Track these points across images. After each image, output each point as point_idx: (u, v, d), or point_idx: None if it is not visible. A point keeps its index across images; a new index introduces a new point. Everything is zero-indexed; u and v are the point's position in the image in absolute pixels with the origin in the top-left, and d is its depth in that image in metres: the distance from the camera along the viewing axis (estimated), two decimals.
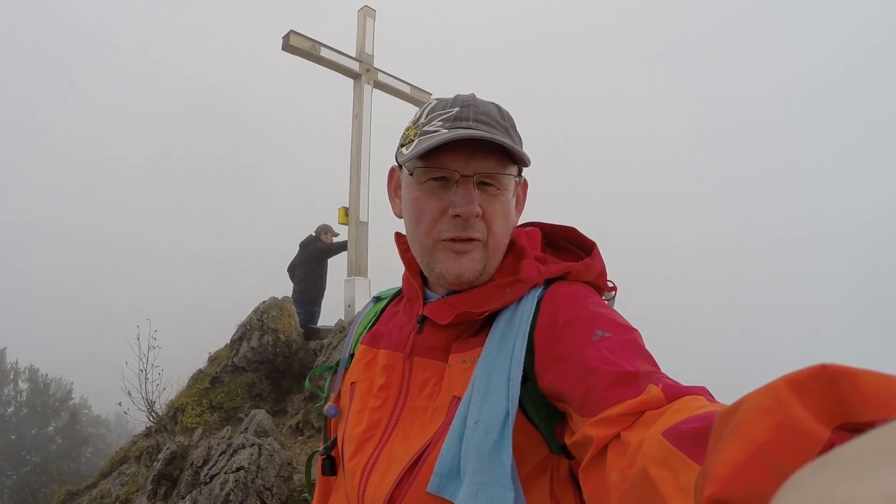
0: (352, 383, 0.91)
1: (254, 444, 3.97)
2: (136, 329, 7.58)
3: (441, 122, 0.78)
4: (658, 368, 0.64)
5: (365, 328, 1.01)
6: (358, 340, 1.00)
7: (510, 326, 0.75)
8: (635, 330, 0.71)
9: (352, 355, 0.98)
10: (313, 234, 7.62)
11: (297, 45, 6.42)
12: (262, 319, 6.14)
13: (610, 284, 0.88)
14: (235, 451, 3.87)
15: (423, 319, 0.85)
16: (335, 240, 7.63)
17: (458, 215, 0.78)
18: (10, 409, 23.83)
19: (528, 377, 0.71)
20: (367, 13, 7.29)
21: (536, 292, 0.79)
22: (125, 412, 7.42)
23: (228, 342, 6.21)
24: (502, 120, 0.80)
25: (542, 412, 0.71)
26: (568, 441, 0.66)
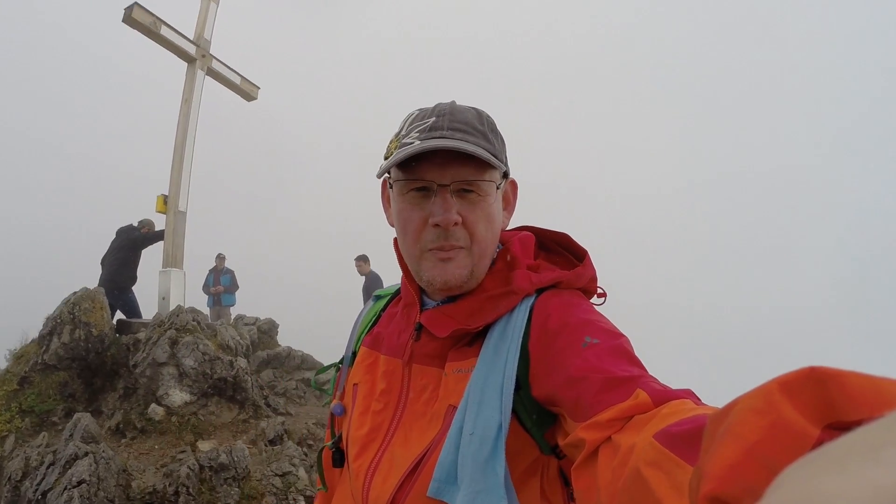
0: (354, 384, 0.95)
1: (87, 454, 3.95)
2: None
3: (417, 134, 0.80)
4: (646, 372, 0.66)
5: (365, 328, 1.05)
6: (359, 339, 1.04)
7: (503, 338, 0.78)
8: (623, 335, 0.74)
9: (354, 353, 1.03)
10: (135, 223, 7.23)
11: (139, 20, 6.03)
12: (73, 312, 5.76)
13: (600, 291, 0.90)
14: (70, 463, 3.86)
15: (421, 327, 0.88)
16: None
17: (437, 224, 0.80)
18: None
19: (521, 385, 0.75)
20: None
21: (529, 302, 0.82)
22: None
23: (37, 337, 5.74)
24: (480, 125, 0.82)
25: (533, 417, 0.74)
26: (561, 442, 0.69)
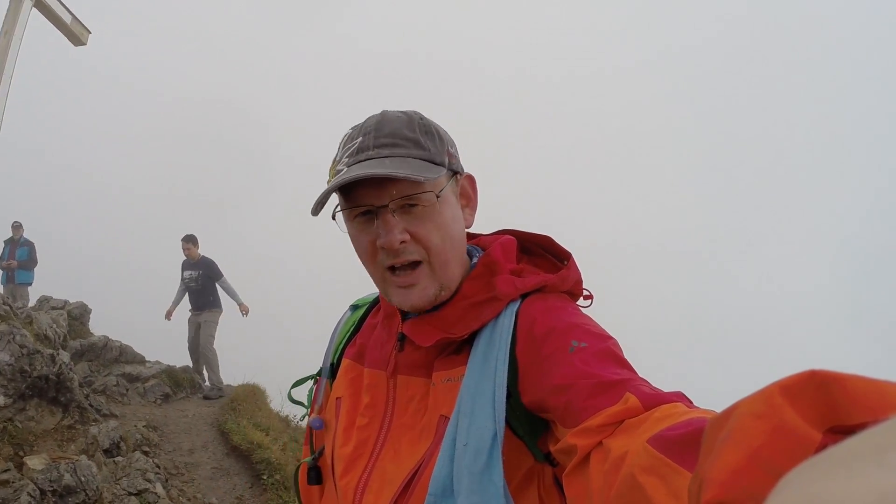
0: (337, 398, 0.92)
1: None
2: None
3: (347, 159, 0.79)
4: (635, 375, 0.66)
5: (344, 337, 1.01)
6: (338, 350, 1.01)
7: (491, 345, 0.77)
8: (611, 338, 0.73)
9: (332, 365, 1.00)
10: None
11: None
12: None
13: (586, 293, 0.88)
14: None
15: (403, 337, 0.86)
16: None
17: (383, 247, 0.79)
18: None
19: (512, 393, 0.73)
20: None
21: (514, 307, 0.80)
22: None
23: None
24: (411, 132, 0.80)
25: (525, 425, 0.73)
26: (553, 449, 0.68)
